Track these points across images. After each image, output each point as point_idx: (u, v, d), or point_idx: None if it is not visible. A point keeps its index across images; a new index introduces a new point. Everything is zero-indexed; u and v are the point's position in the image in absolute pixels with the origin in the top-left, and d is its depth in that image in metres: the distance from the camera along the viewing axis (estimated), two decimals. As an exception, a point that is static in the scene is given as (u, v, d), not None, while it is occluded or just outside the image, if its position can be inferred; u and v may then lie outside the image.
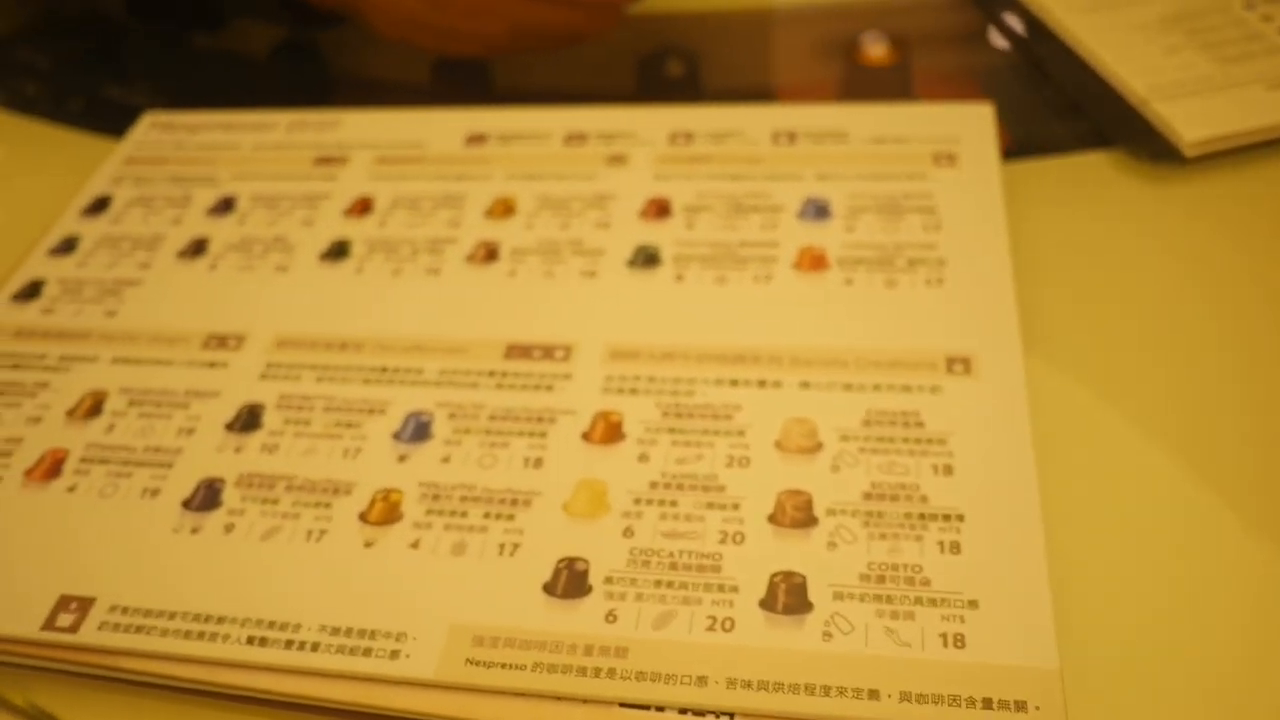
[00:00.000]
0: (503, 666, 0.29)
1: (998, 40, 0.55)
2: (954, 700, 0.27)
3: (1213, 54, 0.47)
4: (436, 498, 0.34)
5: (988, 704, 0.27)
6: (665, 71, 0.57)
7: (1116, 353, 0.37)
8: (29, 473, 0.36)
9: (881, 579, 0.30)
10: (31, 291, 0.44)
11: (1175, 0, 0.51)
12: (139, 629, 0.31)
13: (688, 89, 0.56)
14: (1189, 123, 0.44)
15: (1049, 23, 0.52)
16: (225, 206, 0.47)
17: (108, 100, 0.61)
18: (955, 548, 0.31)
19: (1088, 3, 0.52)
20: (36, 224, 0.48)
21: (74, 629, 0.32)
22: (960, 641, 0.29)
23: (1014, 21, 0.54)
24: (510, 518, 0.33)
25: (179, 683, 0.31)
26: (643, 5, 0.53)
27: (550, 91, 0.54)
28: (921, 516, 0.32)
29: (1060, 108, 0.49)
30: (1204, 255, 0.40)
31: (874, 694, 0.28)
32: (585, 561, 0.32)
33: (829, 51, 0.57)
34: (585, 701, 0.29)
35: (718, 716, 0.28)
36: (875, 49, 0.56)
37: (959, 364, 0.36)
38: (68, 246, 0.46)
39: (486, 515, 0.33)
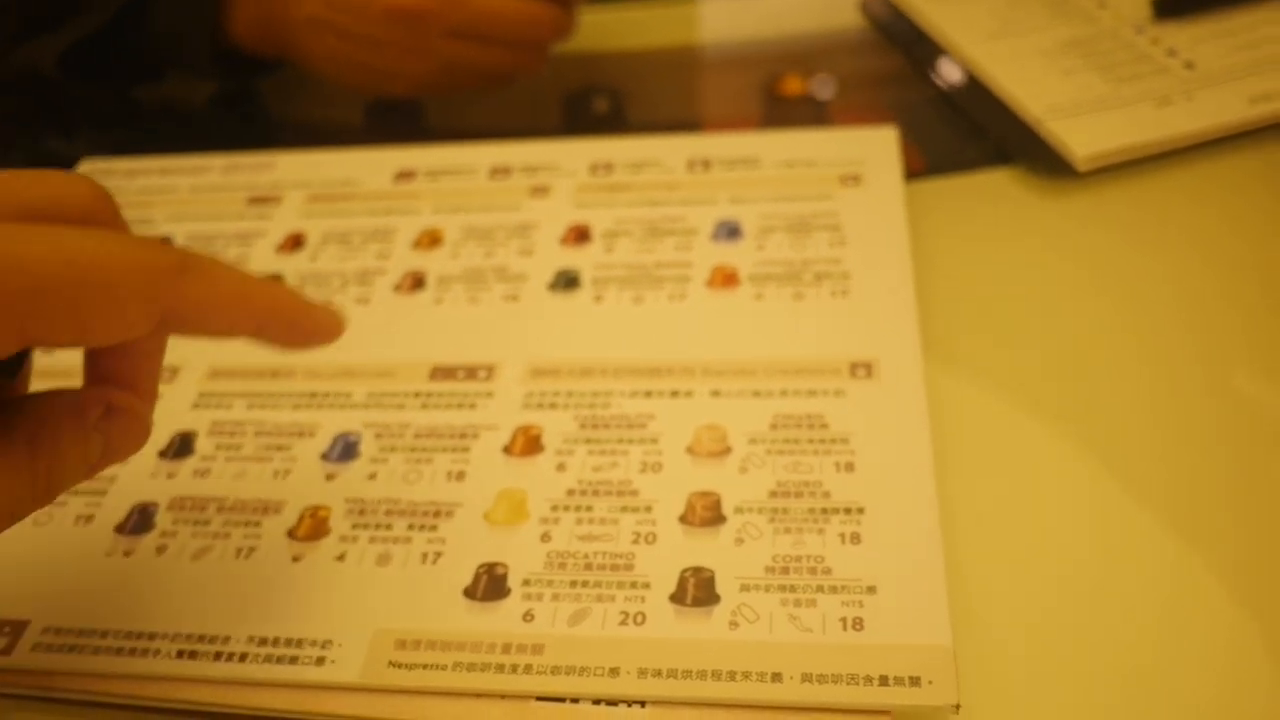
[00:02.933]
0: (424, 667, 0.30)
1: (911, 73, 0.57)
2: (852, 679, 0.29)
3: (1107, 75, 0.50)
4: (363, 512, 0.35)
5: (884, 681, 0.29)
6: (591, 108, 0.59)
7: (1011, 354, 0.39)
8: (-35, 505, 0.37)
9: (786, 570, 0.32)
10: (-30, 333, 0.45)
11: (1072, 26, 0.54)
12: (72, 649, 0.32)
13: (614, 124, 0.58)
14: (1081, 139, 0.46)
15: (954, 53, 0.54)
16: (161, 247, 0.48)
17: (49, 153, 0.62)
18: (856, 538, 0.32)
19: (989, 32, 0.54)
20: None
21: (7, 651, 0.32)
22: (859, 624, 0.30)
23: (924, 54, 0.56)
24: (433, 528, 0.34)
25: (112, 699, 0.32)
26: (568, 45, 0.55)
27: (481, 129, 0.56)
28: (824, 511, 0.33)
29: (968, 131, 0.51)
30: (1095, 261, 0.42)
31: (777, 677, 0.29)
32: (504, 566, 0.33)
33: (749, 87, 0.59)
34: (503, 697, 0.30)
35: (630, 705, 0.29)
36: (793, 84, 0.58)
37: (861, 368, 0.37)
38: (6, 290, 0.47)
39: (410, 526, 0.34)
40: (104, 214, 0.27)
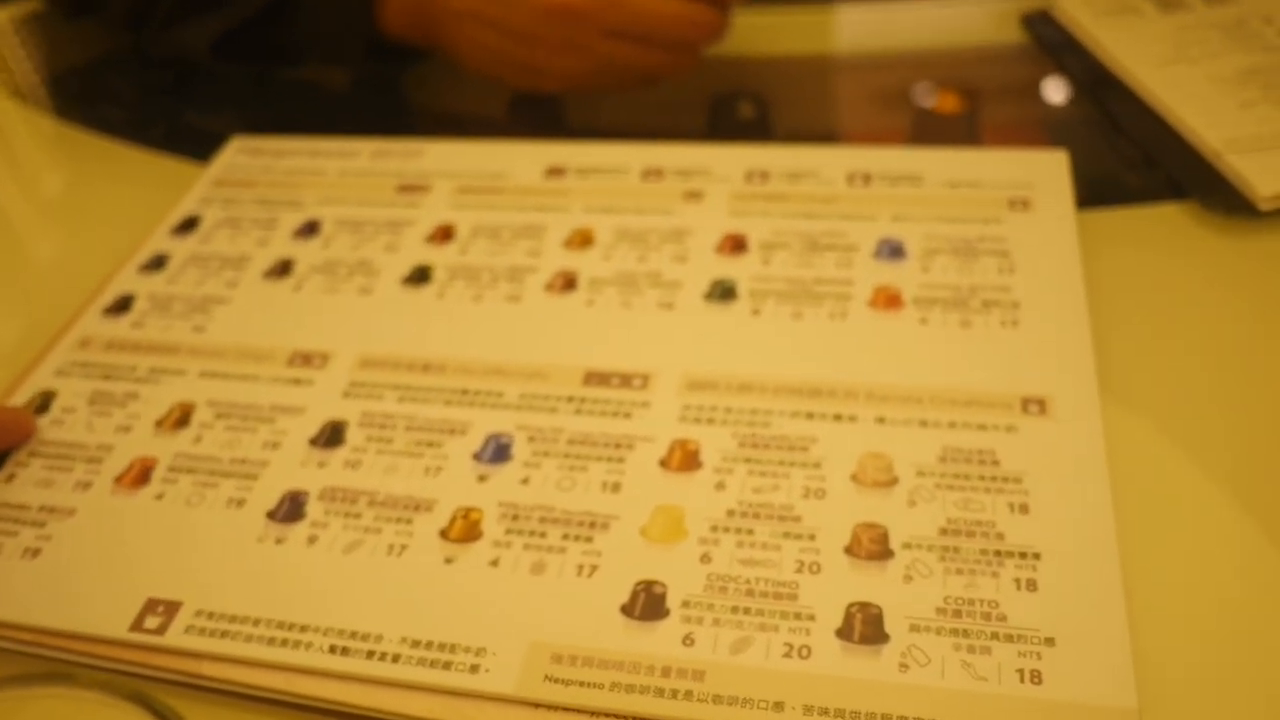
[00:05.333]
0: (581, 685, 0.30)
1: (1066, 91, 0.55)
2: (1032, 735, 0.27)
3: (1290, 109, 0.48)
4: (516, 518, 0.35)
5: (1067, 741, 0.27)
6: (737, 113, 0.58)
7: (1190, 398, 0.37)
8: (119, 479, 0.37)
9: (958, 613, 0.30)
10: (122, 306, 0.45)
11: (1251, 55, 0.51)
12: (224, 634, 0.32)
13: (758, 131, 0.57)
14: (1264, 176, 0.44)
15: (1121, 75, 0.52)
16: (310, 230, 0.48)
17: (189, 126, 0.63)
18: (1032, 585, 0.31)
19: (1162, 56, 0.52)
20: (124, 241, 0.49)
21: (161, 631, 0.32)
22: (1037, 678, 0.29)
23: (1084, 73, 0.54)
24: (589, 540, 0.34)
25: (260, 691, 0.31)
26: (715, 49, 0.54)
27: (622, 129, 0.55)
28: (998, 553, 0.32)
29: (1129, 159, 0.49)
30: (1278, 307, 0.40)
31: (952, 726, 0.28)
32: (663, 585, 0.32)
33: (897, 98, 0.57)
34: (661, 722, 0.29)
35: (794, 743, 0.28)
36: (944, 97, 0.56)
37: (1034, 405, 0.36)
38: (157, 263, 0.47)
39: (565, 536, 0.34)
40: None
